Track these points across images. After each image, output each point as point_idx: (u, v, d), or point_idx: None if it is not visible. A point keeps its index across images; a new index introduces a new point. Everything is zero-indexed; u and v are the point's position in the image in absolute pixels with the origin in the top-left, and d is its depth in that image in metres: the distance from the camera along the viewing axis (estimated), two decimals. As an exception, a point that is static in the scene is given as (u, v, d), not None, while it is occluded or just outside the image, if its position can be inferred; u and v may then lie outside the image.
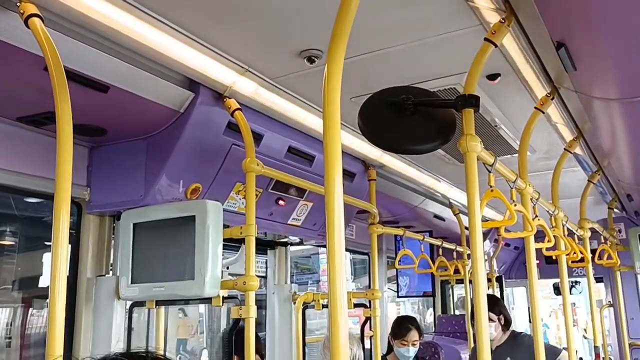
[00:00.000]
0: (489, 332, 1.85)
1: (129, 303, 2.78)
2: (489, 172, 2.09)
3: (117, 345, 2.68)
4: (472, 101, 1.86)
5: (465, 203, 1.90)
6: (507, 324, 3.93)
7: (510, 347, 3.84)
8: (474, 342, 4.11)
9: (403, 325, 4.10)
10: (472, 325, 4.15)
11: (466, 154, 1.87)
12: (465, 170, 1.88)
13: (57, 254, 1.62)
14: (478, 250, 1.87)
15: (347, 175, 3.63)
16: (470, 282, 3.21)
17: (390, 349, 4.15)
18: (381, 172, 3.94)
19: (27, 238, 4.75)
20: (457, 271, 5.47)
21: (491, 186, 2.10)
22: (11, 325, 4.54)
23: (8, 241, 4.71)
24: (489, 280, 6.00)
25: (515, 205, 2.24)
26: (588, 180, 3.95)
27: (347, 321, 1.40)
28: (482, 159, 2.00)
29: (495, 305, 3.86)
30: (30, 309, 4.67)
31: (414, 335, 4.03)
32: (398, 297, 6.40)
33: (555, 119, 3.01)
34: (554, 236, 2.84)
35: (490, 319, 3.73)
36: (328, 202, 1.38)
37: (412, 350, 4.02)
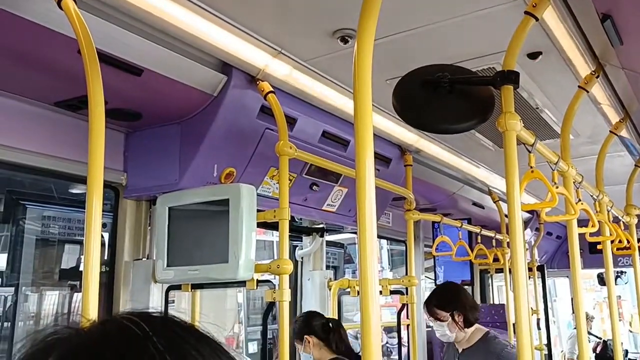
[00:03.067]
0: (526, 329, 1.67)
1: (165, 286, 2.81)
2: (529, 152, 2.01)
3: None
4: (512, 77, 1.78)
5: (505, 190, 1.82)
6: (467, 323, 3.12)
7: (479, 351, 3.12)
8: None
9: None
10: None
11: (505, 133, 1.80)
12: (504, 150, 1.81)
13: (90, 237, 1.62)
14: (517, 235, 1.79)
15: (383, 160, 3.57)
16: (510, 271, 3.09)
17: None
18: (418, 157, 3.87)
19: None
20: (496, 260, 5.36)
21: (531, 167, 2.02)
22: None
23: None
24: (530, 269, 5.85)
25: (557, 187, 2.15)
26: (635, 165, 3.78)
27: (379, 307, 1.36)
28: (521, 139, 1.92)
29: (448, 302, 3.12)
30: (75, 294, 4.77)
31: None
32: (435, 284, 6.32)
33: (600, 100, 2.88)
34: (599, 221, 2.73)
35: (439, 319, 3.11)
36: (359, 182, 1.34)
37: None
